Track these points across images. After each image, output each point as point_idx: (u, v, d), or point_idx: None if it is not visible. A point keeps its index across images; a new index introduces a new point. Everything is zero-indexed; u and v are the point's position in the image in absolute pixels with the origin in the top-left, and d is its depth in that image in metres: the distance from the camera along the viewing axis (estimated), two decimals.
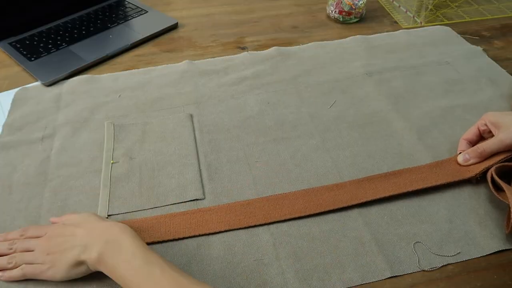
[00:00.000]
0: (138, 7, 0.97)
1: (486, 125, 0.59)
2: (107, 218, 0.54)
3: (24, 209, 0.55)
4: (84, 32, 0.88)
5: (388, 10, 0.99)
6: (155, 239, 0.51)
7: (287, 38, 0.90)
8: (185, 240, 0.52)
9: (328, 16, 0.96)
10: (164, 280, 0.40)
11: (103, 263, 0.43)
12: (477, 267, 0.49)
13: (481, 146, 0.57)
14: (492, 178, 0.54)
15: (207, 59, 0.82)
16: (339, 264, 0.49)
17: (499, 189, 0.53)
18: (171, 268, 0.42)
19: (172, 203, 0.56)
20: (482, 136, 0.60)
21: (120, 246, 0.43)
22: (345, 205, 0.54)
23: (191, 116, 0.69)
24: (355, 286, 0.47)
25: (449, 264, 0.49)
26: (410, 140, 0.64)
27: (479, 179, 0.57)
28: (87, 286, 0.47)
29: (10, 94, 0.74)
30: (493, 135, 0.58)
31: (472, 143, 0.60)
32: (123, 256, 0.42)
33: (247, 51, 0.84)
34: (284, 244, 0.51)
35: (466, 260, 0.49)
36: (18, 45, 0.84)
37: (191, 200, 0.56)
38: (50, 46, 0.84)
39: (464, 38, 0.87)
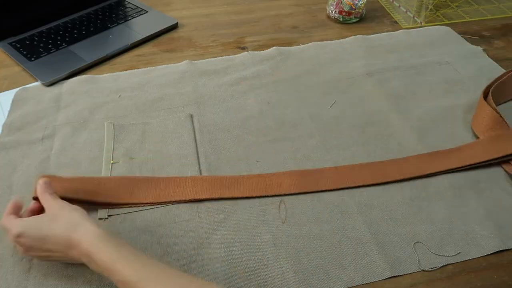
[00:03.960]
0: (138, 7, 0.97)
1: None
2: (107, 218, 0.54)
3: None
4: (84, 32, 0.88)
5: (388, 10, 0.99)
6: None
7: (287, 38, 0.90)
8: (185, 240, 0.52)
9: (328, 16, 0.96)
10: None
11: None
12: (477, 267, 0.49)
13: None
14: None
15: (207, 59, 0.82)
16: (339, 264, 0.49)
17: None
18: None
19: (172, 203, 0.56)
20: None
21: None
22: (410, 176, 0.58)
23: (191, 116, 0.69)
24: (355, 286, 0.47)
25: (449, 264, 0.49)
26: (410, 140, 0.64)
27: None
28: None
29: (10, 94, 0.74)
30: None
31: None
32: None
33: (247, 51, 0.84)
34: (284, 244, 0.51)
35: (466, 260, 0.49)
36: (18, 45, 0.84)
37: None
38: (50, 46, 0.84)
39: (464, 38, 0.87)
